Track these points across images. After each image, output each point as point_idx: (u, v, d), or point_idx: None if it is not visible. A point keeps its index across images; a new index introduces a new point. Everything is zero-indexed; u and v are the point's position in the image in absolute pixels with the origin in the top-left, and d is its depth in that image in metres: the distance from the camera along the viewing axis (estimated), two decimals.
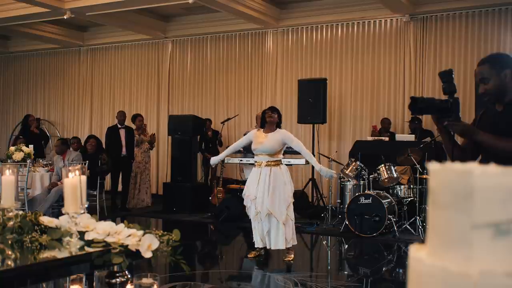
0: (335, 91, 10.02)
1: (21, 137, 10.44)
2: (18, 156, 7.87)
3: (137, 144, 9.79)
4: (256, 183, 5.63)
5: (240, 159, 8.98)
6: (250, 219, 5.90)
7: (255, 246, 5.84)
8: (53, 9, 9.50)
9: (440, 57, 9.32)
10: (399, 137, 8.59)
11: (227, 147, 9.38)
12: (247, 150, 8.37)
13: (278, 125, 5.80)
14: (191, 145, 9.55)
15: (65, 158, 8.15)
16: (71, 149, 8.46)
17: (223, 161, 9.17)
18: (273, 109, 5.87)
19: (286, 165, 5.92)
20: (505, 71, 2.61)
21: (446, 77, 2.67)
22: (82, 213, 2.00)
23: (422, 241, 2.11)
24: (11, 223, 1.98)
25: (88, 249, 1.89)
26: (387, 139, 8.67)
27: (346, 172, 7.67)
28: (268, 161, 5.64)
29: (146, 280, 1.90)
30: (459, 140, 2.86)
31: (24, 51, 13.95)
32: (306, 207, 8.78)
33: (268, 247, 5.75)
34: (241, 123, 10.97)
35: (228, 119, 10.14)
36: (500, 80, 2.61)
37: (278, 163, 5.69)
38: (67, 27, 12.30)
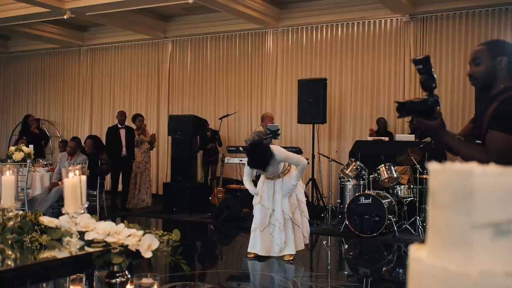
0: (335, 91, 10.02)
1: (24, 137, 10.45)
2: (18, 156, 7.87)
3: (137, 144, 9.78)
4: (272, 195, 5.65)
5: (240, 159, 8.98)
6: (250, 221, 5.89)
7: (256, 252, 5.83)
8: (53, 9, 9.50)
9: (440, 57, 9.31)
10: (399, 137, 8.59)
11: (227, 147, 9.43)
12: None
13: (274, 137, 5.80)
14: (191, 145, 9.55)
15: (72, 159, 8.16)
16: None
17: (223, 161, 9.22)
18: (254, 147, 5.40)
19: None
20: (501, 57, 2.33)
21: (423, 66, 2.26)
22: (82, 213, 2.00)
23: (422, 241, 2.09)
24: (11, 223, 1.98)
25: (88, 249, 1.89)
26: (387, 139, 8.67)
27: (346, 172, 7.67)
28: (279, 174, 5.68)
29: (146, 280, 1.90)
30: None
31: (24, 51, 13.95)
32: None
33: (280, 254, 5.73)
34: (241, 123, 10.97)
35: (227, 115, 10.15)
36: (493, 65, 2.33)
37: (288, 169, 5.73)
38: (67, 27, 12.30)
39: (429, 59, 2.29)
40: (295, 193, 5.75)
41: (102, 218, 2.74)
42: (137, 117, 9.97)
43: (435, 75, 2.27)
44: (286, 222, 5.63)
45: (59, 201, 7.58)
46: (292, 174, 5.74)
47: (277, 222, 5.62)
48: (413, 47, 9.48)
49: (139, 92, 12.33)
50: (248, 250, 5.84)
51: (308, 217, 5.95)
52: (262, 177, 5.89)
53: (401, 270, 5.77)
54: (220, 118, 10.07)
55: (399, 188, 7.46)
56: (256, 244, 5.74)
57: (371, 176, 7.47)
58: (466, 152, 2.26)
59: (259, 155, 5.25)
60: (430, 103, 2.22)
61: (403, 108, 2.25)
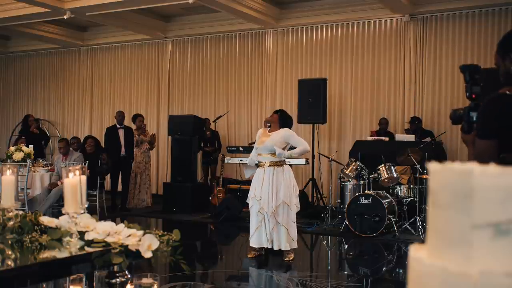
0: (335, 91, 10.02)
1: (23, 137, 10.44)
2: (18, 156, 7.87)
3: (137, 144, 9.78)
4: (261, 184, 5.63)
5: (240, 159, 8.98)
6: (249, 219, 5.90)
7: (251, 245, 5.85)
8: (53, 9, 9.50)
9: (440, 57, 9.31)
10: (399, 137, 8.58)
11: (227, 147, 9.42)
12: (247, 150, 8.37)
13: (285, 125, 5.79)
14: (191, 145, 9.55)
15: (67, 159, 8.16)
16: (71, 149, 8.47)
17: (223, 161, 9.22)
18: (276, 111, 6.03)
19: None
20: (509, 56, 2.13)
21: (470, 74, 2.14)
22: (82, 213, 2.00)
23: (422, 241, 2.07)
24: (11, 223, 1.98)
25: (88, 249, 1.89)
26: (387, 139, 8.67)
27: (346, 172, 7.66)
28: (272, 161, 5.65)
29: (146, 280, 1.90)
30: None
31: (24, 51, 13.95)
32: (306, 207, 8.78)
33: (272, 247, 5.74)
34: (241, 122, 10.97)
35: (219, 116, 10.17)
36: (504, 67, 2.13)
37: (281, 163, 5.70)
38: (67, 27, 12.30)
39: (479, 68, 2.18)
40: (294, 188, 5.73)
41: (102, 218, 2.74)
42: (137, 117, 9.97)
43: (475, 86, 2.14)
44: (272, 215, 5.63)
45: (59, 201, 7.58)
46: (286, 170, 5.71)
47: (265, 212, 5.62)
48: (413, 47, 9.48)
49: (139, 92, 12.33)
50: (250, 245, 5.86)
51: (294, 221, 5.78)
52: (255, 173, 5.87)
53: (401, 270, 5.76)
54: (213, 121, 10.10)
55: (399, 188, 7.46)
56: (253, 238, 5.79)
57: (371, 176, 7.47)
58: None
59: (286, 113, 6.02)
60: (460, 113, 2.15)
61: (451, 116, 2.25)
